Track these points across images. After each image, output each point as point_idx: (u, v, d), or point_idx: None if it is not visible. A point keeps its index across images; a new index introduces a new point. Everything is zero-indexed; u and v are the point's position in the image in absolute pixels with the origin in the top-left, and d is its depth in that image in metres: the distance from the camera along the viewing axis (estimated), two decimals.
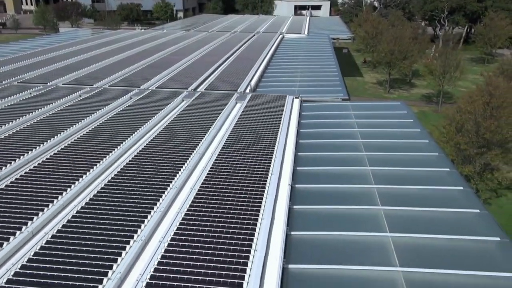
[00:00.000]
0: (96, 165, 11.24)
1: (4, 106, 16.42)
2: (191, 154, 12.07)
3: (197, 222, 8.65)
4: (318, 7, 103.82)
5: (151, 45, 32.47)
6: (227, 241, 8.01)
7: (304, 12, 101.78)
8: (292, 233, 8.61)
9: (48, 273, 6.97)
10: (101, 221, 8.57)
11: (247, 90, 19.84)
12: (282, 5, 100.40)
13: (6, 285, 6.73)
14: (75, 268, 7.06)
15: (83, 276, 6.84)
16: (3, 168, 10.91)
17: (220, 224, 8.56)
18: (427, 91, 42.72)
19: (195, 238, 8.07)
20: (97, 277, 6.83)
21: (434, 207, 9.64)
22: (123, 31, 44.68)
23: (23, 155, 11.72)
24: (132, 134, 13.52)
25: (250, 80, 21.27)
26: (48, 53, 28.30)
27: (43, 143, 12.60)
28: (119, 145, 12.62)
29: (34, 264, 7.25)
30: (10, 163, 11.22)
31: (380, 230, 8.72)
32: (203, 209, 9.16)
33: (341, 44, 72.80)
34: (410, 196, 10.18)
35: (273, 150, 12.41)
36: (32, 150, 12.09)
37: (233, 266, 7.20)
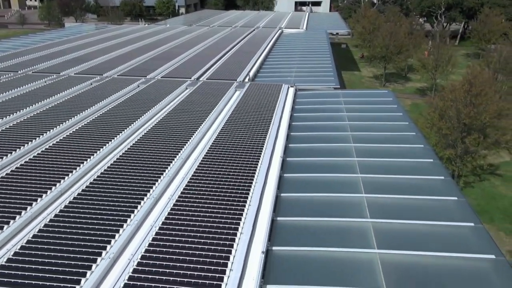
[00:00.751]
0: (107, 144, 12.77)
1: (22, 92, 17.93)
2: (194, 133, 13.59)
3: (198, 191, 10.20)
4: (318, 3, 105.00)
5: (155, 39, 33.95)
6: (217, 219, 9.54)
7: (304, 8, 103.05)
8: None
9: (50, 253, 8.30)
10: (112, 193, 10.12)
11: (246, 80, 21.33)
12: (282, 1, 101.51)
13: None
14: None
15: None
16: (26, 145, 12.46)
17: (212, 203, 10.11)
18: (421, 84, 44.14)
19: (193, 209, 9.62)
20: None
21: (406, 174, 11.15)
22: (127, 26, 46.16)
23: (39, 136, 13.26)
24: (140, 117, 15.04)
25: (249, 71, 22.75)
26: (58, 46, 29.81)
27: (58, 125, 14.13)
28: (129, 126, 14.14)
29: (39, 240, 8.80)
30: (28, 143, 12.76)
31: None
32: (205, 176, 10.70)
33: (340, 40, 74.15)
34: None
35: (268, 131, 13.91)
36: (48, 131, 13.62)
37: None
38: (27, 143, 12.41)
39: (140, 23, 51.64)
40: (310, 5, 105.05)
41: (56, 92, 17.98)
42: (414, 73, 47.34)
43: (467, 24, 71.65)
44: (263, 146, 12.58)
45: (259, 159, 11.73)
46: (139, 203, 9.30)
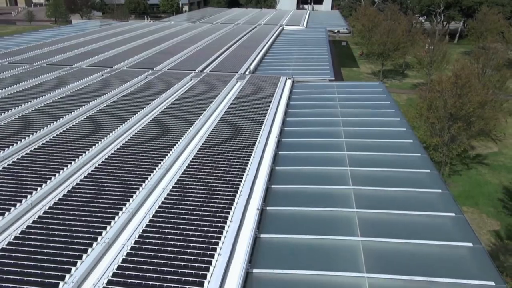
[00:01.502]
0: (118, 127, 14.23)
1: (38, 82, 19.39)
2: (199, 117, 15.03)
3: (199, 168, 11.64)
4: (320, 2, 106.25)
5: (160, 34, 35.40)
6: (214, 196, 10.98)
7: (306, 6, 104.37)
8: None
9: (61, 225, 9.83)
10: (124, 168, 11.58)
11: (247, 72, 22.75)
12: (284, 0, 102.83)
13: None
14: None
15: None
16: (43, 129, 13.94)
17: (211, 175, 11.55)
18: (418, 80, 45.49)
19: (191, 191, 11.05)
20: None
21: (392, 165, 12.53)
22: (133, 22, 47.62)
23: (55, 122, 14.73)
24: (149, 104, 16.49)
25: (250, 64, 24.17)
26: (68, 40, 31.29)
27: (74, 111, 15.60)
28: (138, 112, 15.59)
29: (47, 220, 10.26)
30: (44, 127, 14.23)
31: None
32: (204, 161, 12.15)
33: (341, 38, 75.58)
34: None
35: (265, 117, 15.33)
36: (65, 116, 15.09)
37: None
38: (44, 127, 13.88)
39: (146, 20, 53.09)
40: (312, 3, 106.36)
41: (70, 82, 19.43)
42: (411, 70, 48.69)
43: (466, 23, 72.80)
44: (259, 131, 14.00)
45: (255, 141, 13.15)
46: (148, 176, 10.76)
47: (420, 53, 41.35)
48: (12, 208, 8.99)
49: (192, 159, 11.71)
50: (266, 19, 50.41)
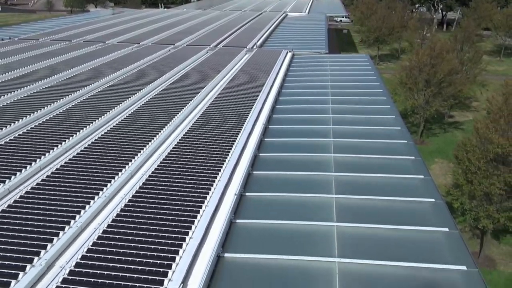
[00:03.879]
0: (148, 85, 18.31)
1: (79, 54, 23.46)
2: (215, 77, 19.07)
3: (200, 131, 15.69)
4: None
5: (176, 19, 39.41)
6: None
7: None
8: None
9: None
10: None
11: (254, 47, 26.73)
12: None
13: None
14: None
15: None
16: (79, 90, 18.06)
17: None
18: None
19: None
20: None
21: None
22: (148, 10, 51.63)
23: (91, 84, 18.84)
24: (173, 69, 20.54)
25: (257, 41, 28.15)
26: (95, 24, 35.40)
27: (112, 73, 19.71)
28: (165, 74, 19.64)
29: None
30: (93, 83, 18.34)
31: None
32: (211, 114, 16.20)
33: (343, 26, 79.25)
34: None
35: (266, 80, 19.33)
36: (104, 78, 19.19)
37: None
38: (94, 83, 18.00)
39: (160, 8, 57.04)
40: None
41: (106, 54, 23.51)
42: (407, 54, 52.40)
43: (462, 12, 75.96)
44: (260, 91, 18.02)
45: (254, 101, 17.17)
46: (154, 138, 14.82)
47: (413, 37, 45.02)
48: None
49: (195, 122, 15.75)
50: (271, 7, 54.20)
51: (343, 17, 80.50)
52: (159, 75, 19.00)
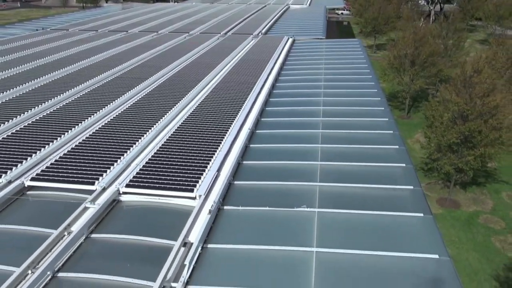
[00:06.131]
0: (170, 64, 21.89)
1: (108, 41, 27.07)
2: (227, 56, 22.62)
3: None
4: None
5: (187, 11, 42.94)
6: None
7: None
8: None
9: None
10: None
11: (259, 34, 30.25)
12: None
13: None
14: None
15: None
16: (106, 72, 21.67)
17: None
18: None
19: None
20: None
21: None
22: (159, 4, 55.14)
23: (125, 62, 22.45)
24: (191, 51, 24.11)
25: (262, 29, 31.65)
26: (115, 16, 39.01)
27: (134, 58, 23.31)
28: (185, 55, 23.21)
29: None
30: (119, 65, 21.96)
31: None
32: (219, 92, 19.76)
33: (343, 19, 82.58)
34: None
35: (270, 59, 22.85)
36: (127, 62, 22.80)
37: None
38: (120, 65, 21.63)
39: (171, 2, 60.51)
40: None
41: (131, 40, 27.11)
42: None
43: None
44: (265, 67, 21.56)
45: (257, 79, 20.71)
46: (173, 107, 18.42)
47: (406, 27, 48.20)
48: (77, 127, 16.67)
49: (205, 98, 19.31)
50: (274, 0, 57.59)
51: (343, 9, 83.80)
52: (180, 56, 22.59)
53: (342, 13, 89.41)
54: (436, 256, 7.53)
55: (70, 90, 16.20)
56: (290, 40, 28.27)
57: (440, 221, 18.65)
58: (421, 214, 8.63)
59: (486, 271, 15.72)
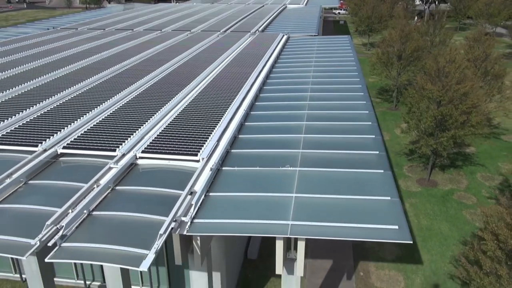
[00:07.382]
0: (175, 57, 23.99)
1: (116, 38, 29.18)
2: (226, 51, 24.69)
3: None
4: None
5: (188, 11, 45.03)
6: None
7: None
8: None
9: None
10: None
11: (257, 32, 32.32)
12: None
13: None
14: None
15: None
16: (119, 63, 23.80)
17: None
18: None
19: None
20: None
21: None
22: (161, 4, 57.23)
23: (135, 56, 24.55)
24: (193, 46, 26.20)
25: (259, 27, 33.73)
26: (120, 15, 41.10)
27: (146, 51, 25.41)
28: (188, 49, 25.29)
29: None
30: (128, 59, 24.07)
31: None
32: (216, 84, 21.85)
33: (340, 18, 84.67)
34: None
35: (265, 53, 24.93)
36: (130, 58, 24.90)
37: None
38: (132, 57, 23.72)
39: (172, 2, 62.54)
40: None
41: (137, 38, 29.21)
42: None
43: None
44: (260, 60, 23.64)
45: (253, 70, 22.79)
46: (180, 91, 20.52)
47: (397, 25, 50.27)
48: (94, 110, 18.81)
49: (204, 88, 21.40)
50: (272, 0, 59.67)
51: (339, 8, 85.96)
52: (183, 51, 24.69)
53: (339, 13, 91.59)
54: (396, 227, 8.89)
55: (87, 79, 18.30)
56: (285, 37, 30.33)
57: (417, 197, 20.65)
58: (389, 198, 9.95)
59: (455, 237, 17.70)
